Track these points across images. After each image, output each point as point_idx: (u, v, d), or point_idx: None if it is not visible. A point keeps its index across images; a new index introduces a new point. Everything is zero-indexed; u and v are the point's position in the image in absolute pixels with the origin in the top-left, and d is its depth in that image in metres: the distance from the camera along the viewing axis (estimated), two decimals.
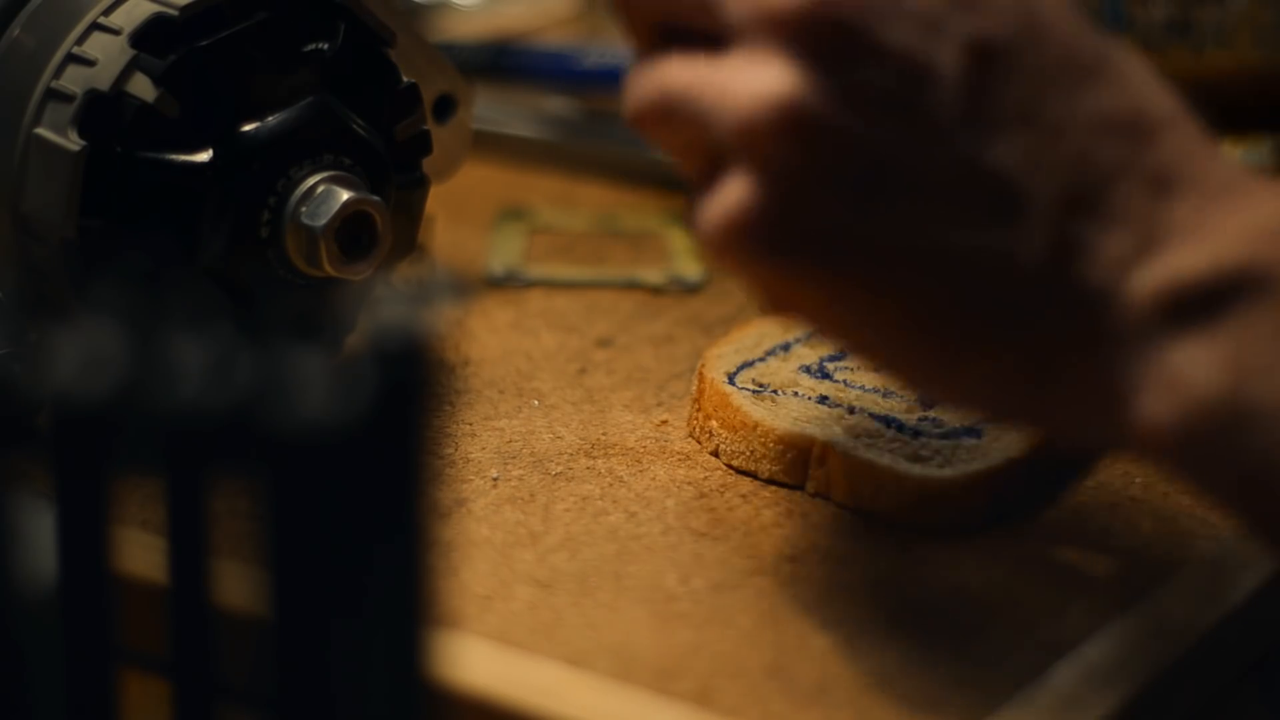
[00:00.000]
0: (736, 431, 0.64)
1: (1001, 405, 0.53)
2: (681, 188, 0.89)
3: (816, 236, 0.50)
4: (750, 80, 0.51)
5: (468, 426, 0.67)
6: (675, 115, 0.53)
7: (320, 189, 0.63)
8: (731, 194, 0.51)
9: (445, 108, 0.71)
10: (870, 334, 0.52)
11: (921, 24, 0.50)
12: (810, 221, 0.50)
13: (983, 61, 0.50)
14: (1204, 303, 0.49)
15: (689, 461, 0.65)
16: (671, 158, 0.55)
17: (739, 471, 0.64)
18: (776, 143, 0.50)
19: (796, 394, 0.66)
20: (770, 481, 0.63)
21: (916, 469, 0.61)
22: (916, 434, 0.63)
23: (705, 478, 0.64)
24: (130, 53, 0.62)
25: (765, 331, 0.70)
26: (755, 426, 0.64)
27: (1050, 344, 0.50)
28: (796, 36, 0.50)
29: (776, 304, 0.53)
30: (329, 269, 0.63)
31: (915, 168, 0.50)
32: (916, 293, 0.51)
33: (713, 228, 0.52)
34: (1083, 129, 0.50)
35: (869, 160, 0.50)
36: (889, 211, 0.50)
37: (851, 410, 0.65)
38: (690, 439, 0.66)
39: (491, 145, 0.91)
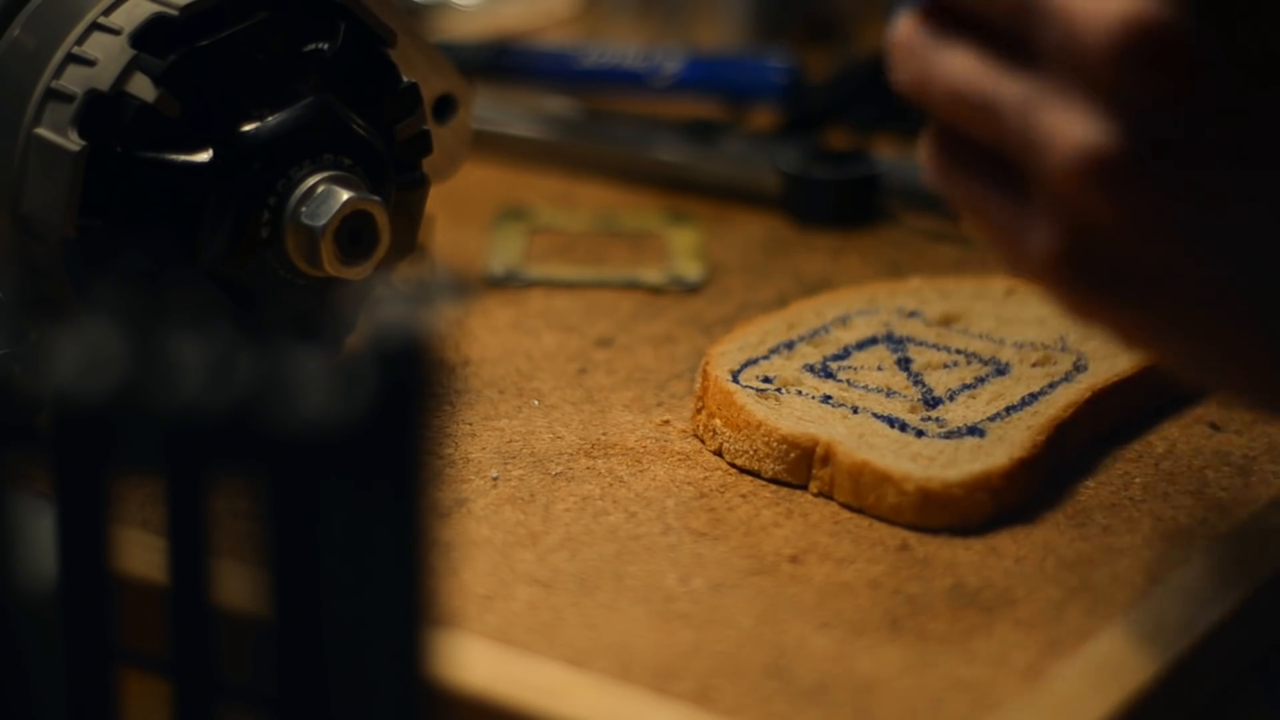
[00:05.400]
0: (740, 430, 0.64)
1: None
2: (681, 188, 0.89)
3: (1129, 276, 0.52)
4: (1068, 128, 0.51)
5: (468, 426, 0.67)
6: (984, 114, 0.53)
7: (320, 189, 0.63)
8: (1043, 236, 0.52)
9: (445, 108, 0.71)
10: (1182, 347, 0.54)
11: (1232, 71, 0.51)
12: (1123, 264, 0.52)
13: None
14: None
15: (689, 461, 0.65)
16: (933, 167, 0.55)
17: (742, 470, 0.64)
18: (1089, 199, 0.51)
19: (800, 393, 0.66)
20: (774, 481, 0.63)
21: (919, 469, 0.61)
22: (920, 434, 0.63)
23: (705, 478, 0.64)
24: (130, 53, 0.62)
25: (769, 329, 0.70)
26: (759, 425, 0.63)
27: None
28: (1111, 83, 0.51)
29: (1086, 322, 0.55)
30: (329, 269, 0.63)
31: (1240, 208, 0.51)
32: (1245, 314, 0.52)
33: (1030, 262, 0.53)
34: None
35: (1185, 208, 0.51)
36: (1206, 253, 0.51)
37: (855, 410, 0.65)
38: (692, 438, 0.66)
39: (491, 145, 0.91)
